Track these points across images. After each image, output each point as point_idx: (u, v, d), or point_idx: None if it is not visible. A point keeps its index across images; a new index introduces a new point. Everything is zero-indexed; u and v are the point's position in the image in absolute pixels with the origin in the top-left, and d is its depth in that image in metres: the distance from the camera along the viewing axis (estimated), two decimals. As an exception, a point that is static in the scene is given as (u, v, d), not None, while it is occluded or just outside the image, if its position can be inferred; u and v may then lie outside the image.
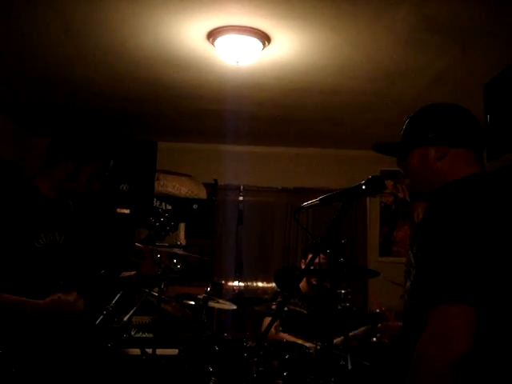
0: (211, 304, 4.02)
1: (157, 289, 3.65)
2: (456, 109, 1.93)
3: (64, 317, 2.45)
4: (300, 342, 3.80)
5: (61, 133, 2.64)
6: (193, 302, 4.02)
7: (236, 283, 6.72)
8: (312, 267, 3.73)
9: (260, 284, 6.76)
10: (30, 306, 2.36)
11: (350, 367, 3.18)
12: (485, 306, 1.51)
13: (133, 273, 2.89)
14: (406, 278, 1.77)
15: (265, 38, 3.81)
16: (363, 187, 2.02)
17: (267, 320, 4.33)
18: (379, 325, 3.56)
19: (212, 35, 3.80)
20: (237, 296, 6.50)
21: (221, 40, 3.82)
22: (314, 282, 4.49)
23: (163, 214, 2.97)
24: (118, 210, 5.12)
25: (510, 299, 1.56)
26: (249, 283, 6.75)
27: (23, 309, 2.35)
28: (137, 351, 3.95)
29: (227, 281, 6.69)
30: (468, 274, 1.52)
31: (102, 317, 3.36)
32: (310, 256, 4.32)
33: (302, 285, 4.56)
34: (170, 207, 5.68)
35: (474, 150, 1.86)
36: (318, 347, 3.41)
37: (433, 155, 1.85)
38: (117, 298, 3.46)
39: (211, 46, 3.92)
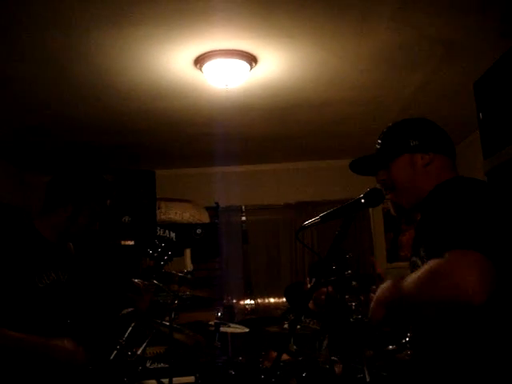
0: (223, 329, 4.01)
1: (168, 318, 3.63)
2: (427, 120, 2.01)
3: (65, 362, 2.43)
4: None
5: (56, 176, 2.66)
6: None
7: (247, 302, 6.70)
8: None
9: (272, 300, 6.74)
10: (34, 342, 2.36)
11: (367, 379, 3.15)
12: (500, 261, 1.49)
13: (130, 310, 2.88)
14: None
15: (252, 59, 3.84)
16: (362, 201, 2.02)
17: (273, 354, 4.26)
18: (373, 287, 3.49)
19: (199, 61, 3.83)
20: (249, 314, 6.48)
21: (208, 65, 3.84)
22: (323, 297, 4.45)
23: (160, 244, 2.97)
24: (123, 243, 5.12)
25: None
26: (260, 300, 6.73)
27: (27, 345, 2.35)
28: (153, 383, 3.92)
29: (238, 300, 6.67)
30: (483, 231, 1.53)
31: (115, 352, 3.34)
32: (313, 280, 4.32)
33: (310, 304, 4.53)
34: (173, 234, 5.68)
35: (451, 157, 1.94)
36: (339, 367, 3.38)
37: (419, 162, 1.90)
38: (129, 331, 3.44)
39: (199, 71, 3.95)
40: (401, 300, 1.66)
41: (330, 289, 3.68)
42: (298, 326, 3.65)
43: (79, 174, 2.68)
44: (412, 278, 1.60)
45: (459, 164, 1.96)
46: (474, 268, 1.42)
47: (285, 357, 3.83)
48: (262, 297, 6.76)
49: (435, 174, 1.88)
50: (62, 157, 5.81)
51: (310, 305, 4.49)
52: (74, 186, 2.61)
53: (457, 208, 1.61)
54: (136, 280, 2.84)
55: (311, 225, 2.12)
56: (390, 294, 1.71)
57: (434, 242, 1.61)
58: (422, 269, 1.56)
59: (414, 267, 1.79)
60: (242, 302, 6.69)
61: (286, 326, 3.82)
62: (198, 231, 5.77)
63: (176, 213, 5.97)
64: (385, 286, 1.76)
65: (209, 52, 3.73)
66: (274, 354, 4.18)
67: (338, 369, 3.43)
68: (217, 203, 6.59)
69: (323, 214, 2.07)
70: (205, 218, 6.20)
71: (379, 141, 2.03)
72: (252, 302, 6.69)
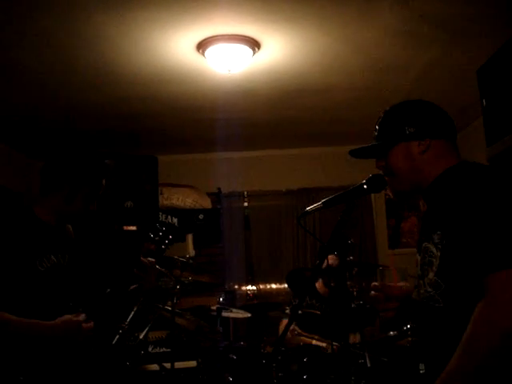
0: (225, 314, 4.03)
1: (170, 303, 3.65)
2: (425, 103, 1.96)
3: (73, 338, 2.46)
4: (315, 342, 3.79)
5: (51, 159, 2.67)
6: (207, 314, 4.03)
7: (249, 287, 6.72)
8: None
9: (273, 286, 6.76)
10: (39, 327, 2.38)
11: (368, 365, 3.17)
12: None
13: (135, 286, 2.89)
14: (425, 270, 1.77)
15: (254, 44, 3.82)
16: (365, 186, 2.02)
17: (284, 322, 4.32)
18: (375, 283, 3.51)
19: (201, 46, 3.81)
20: (251, 300, 6.50)
21: (211, 50, 3.83)
22: (332, 284, 4.46)
23: (161, 228, 2.97)
24: (125, 228, 5.13)
25: None
26: (262, 286, 6.75)
27: (32, 330, 2.36)
28: (155, 367, 3.95)
29: (240, 286, 6.69)
30: None
31: (118, 336, 3.36)
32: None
33: (319, 286, 4.54)
34: (175, 220, 5.69)
35: (450, 140, 1.90)
36: (335, 347, 3.40)
37: (416, 149, 1.87)
38: (131, 315, 3.46)
39: (202, 56, 3.93)
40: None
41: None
42: (300, 312, 3.68)
43: (73, 156, 2.68)
44: (466, 346, 1.52)
45: (461, 151, 1.94)
46: None
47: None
48: (264, 283, 6.77)
49: (434, 160, 1.85)
50: (65, 142, 5.80)
51: (320, 287, 4.49)
52: (68, 168, 2.61)
53: (483, 208, 1.58)
54: (143, 258, 2.85)
55: (313, 210, 2.13)
56: None
57: (467, 253, 1.58)
58: (473, 329, 1.51)
59: (426, 253, 1.77)
60: (243, 288, 6.70)
61: (287, 310, 3.85)
62: (200, 217, 5.78)
63: (178, 198, 5.98)
64: None
65: (211, 37, 3.72)
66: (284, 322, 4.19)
67: (339, 353, 3.45)
68: (219, 189, 6.60)
69: (325, 199, 2.08)
70: (207, 203, 6.20)
71: (376, 127, 2.00)
72: (253, 287, 6.71)
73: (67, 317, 2.44)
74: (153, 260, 2.86)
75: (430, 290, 1.75)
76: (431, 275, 1.73)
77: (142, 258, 2.83)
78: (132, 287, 2.91)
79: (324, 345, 3.74)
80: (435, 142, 1.86)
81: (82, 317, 2.48)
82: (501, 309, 1.47)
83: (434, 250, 1.72)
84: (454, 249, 1.64)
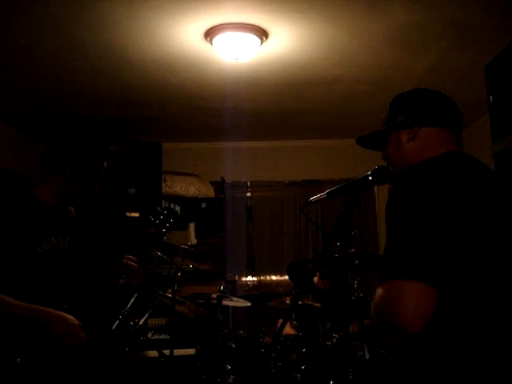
0: (225, 302, 4.03)
1: (170, 290, 3.66)
2: (425, 91, 1.93)
3: (65, 336, 2.45)
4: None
5: (52, 141, 2.68)
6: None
7: (249, 278, 6.73)
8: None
9: (274, 277, 6.77)
10: (38, 312, 2.39)
11: (367, 357, 3.18)
12: (441, 286, 1.48)
13: (122, 282, 2.90)
14: None
15: (262, 34, 3.81)
16: (370, 178, 2.01)
17: (281, 321, 4.30)
18: None
19: (209, 34, 3.80)
20: (251, 291, 6.51)
21: (218, 38, 3.82)
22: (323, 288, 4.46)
23: (162, 212, 2.96)
24: (128, 214, 5.13)
25: (469, 280, 1.53)
26: (262, 277, 6.76)
27: (31, 314, 2.37)
28: (154, 353, 3.96)
29: (241, 276, 6.70)
30: (420, 252, 1.50)
31: (117, 321, 3.37)
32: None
33: (317, 280, 4.53)
34: (178, 208, 5.69)
35: (446, 127, 1.84)
36: (335, 339, 3.40)
37: (405, 138, 1.85)
38: (132, 301, 3.46)
39: (209, 44, 3.92)
40: None
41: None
42: (300, 302, 3.68)
43: (75, 138, 2.69)
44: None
45: (466, 147, 1.89)
46: (408, 299, 1.46)
47: (289, 331, 3.85)
48: (264, 274, 6.78)
49: (421, 149, 1.81)
50: (70, 128, 5.80)
51: (317, 281, 4.49)
52: (70, 150, 2.63)
53: (402, 222, 1.57)
54: (129, 260, 2.84)
55: (317, 200, 2.13)
56: None
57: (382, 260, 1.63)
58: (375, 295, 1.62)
59: None
60: (243, 279, 6.72)
61: (287, 301, 3.85)
62: (203, 205, 5.78)
63: (181, 186, 5.98)
64: None
65: (219, 25, 3.70)
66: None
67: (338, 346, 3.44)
68: (222, 178, 6.60)
69: (329, 189, 2.08)
70: (210, 192, 6.20)
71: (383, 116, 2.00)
72: (254, 278, 6.72)
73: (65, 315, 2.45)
74: (136, 260, 2.86)
75: None
76: None
77: (126, 260, 2.83)
78: (120, 282, 2.91)
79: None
80: (424, 130, 1.83)
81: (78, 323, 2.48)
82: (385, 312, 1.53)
83: None
84: None
